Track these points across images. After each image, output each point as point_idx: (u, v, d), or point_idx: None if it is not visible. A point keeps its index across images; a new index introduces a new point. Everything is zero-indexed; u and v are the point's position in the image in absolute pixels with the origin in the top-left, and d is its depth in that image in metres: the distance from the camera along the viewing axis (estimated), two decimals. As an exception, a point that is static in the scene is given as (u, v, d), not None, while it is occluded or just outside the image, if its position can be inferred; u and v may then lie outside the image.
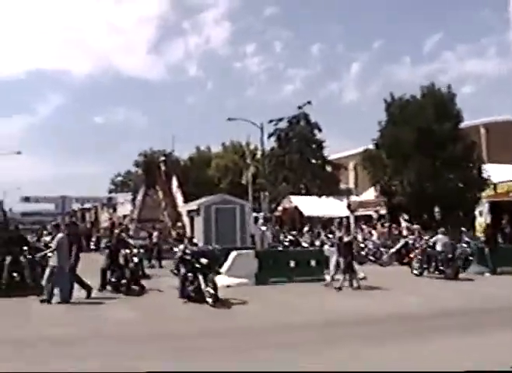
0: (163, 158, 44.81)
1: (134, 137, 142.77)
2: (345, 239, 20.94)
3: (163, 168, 43.34)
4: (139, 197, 42.83)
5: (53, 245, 17.62)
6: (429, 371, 8.89)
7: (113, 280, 19.94)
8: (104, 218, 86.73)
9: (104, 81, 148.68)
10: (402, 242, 29.96)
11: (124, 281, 19.72)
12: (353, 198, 49.47)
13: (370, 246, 31.33)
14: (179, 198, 40.29)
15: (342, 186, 62.07)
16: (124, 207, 76.24)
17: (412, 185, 33.54)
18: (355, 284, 19.98)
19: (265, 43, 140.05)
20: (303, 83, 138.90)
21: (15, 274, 19.21)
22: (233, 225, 27.72)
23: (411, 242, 29.08)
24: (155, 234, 27.81)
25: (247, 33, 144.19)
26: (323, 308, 16.10)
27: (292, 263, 22.44)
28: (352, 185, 67.97)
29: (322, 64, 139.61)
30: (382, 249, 30.58)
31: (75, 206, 59.85)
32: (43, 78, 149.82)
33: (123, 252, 20.66)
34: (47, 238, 23.55)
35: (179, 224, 34.25)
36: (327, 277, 21.89)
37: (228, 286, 20.72)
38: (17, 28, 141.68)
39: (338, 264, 20.59)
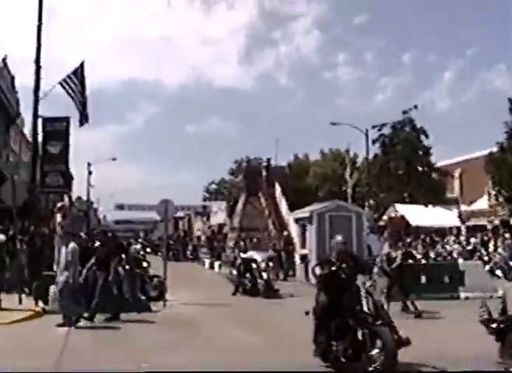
0: (265, 164, 42.59)
1: (226, 147, 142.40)
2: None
3: (264, 174, 41.35)
4: (240, 205, 40.79)
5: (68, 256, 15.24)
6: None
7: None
8: (197, 227, 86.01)
9: (196, 91, 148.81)
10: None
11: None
12: (463, 207, 46.43)
13: (497, 260, 28.30)
14: (283, 206, 38.20)
15: (448, 194, 58.88)
16: (218, 216, 74.93)
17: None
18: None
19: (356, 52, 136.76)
20: (395, 92, 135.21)
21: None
22: (348, 235, 25.14)
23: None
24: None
25: (338, 42, 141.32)
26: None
27: (423, 279, 20.01)
28: (457, 194, 64.76)
29: (414, 72, 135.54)
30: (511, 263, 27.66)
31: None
32: (137, 89, 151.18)
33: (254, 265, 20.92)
34: (138, 247, 21.86)
35: (285, 233, 32.15)
36: (462, 295, 19.54)
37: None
38: (111, 39, 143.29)
39: None
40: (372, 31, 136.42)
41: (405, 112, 54.67)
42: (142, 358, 10.63)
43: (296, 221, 29.05)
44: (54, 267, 17.83)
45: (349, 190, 50.35)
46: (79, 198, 75.68)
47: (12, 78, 33.50)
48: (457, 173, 65.82)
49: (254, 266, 20.95)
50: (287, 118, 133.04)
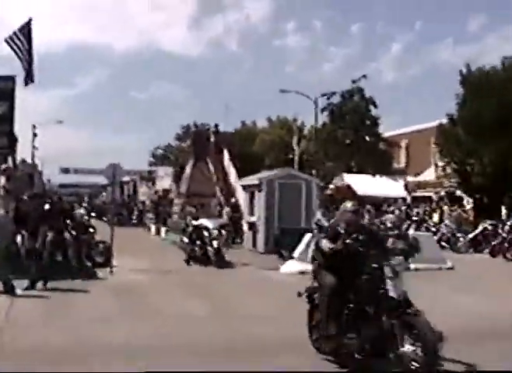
0: (213, 129, 41.99)
1: (173, 113, 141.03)
2: None
3: (212, 139, 40.78)
4: (187, 170, 40.20)
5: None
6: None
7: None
8: (142, 192, 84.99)
9: (145, 56, 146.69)
10: (481, 227, 27.36)
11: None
12: (410, 178, 46.74)
13: (444, 231, 28.41)
14: (231, 172, 37.80)
15: (395, 165, 59.19)
16: (164, 181, 74.13)
17: (493, 164, 30.52)
18: None
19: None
20: (342, 62, 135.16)
21: (57, 254, 16.65)
22: (297, 203, 24.93)
23: (490, 227, 26.83)
24: (226, 209, 25.68)
25: (287, 10, 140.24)
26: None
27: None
28: (403, 165, 65.16)
29: (362, 43, 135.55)
30: (458, 235, 27.78)
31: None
32: (84, 52, 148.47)
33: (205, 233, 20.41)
34: (81, 211, 21.20)
35: (233, 199, 31.81)
36: (412, 266, 19.45)
37: (302, 272, 18.19)
38: (57, 3, 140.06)
39: None
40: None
41: (354, 81, 54.66)
42: (85, 331, 10.23)
43: (245, 188, 28.71)
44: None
45: (296, 158, 50.13)
46: (24, 161, 73.69)
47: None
48: (403, 144, 66.20)
49: (205, 234, 20.37)
50: (235, 85, 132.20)
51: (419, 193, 42.63)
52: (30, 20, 20.49)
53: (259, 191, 25.20)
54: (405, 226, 30.13)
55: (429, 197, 41.00)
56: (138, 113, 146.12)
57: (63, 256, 16.85)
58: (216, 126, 42.24)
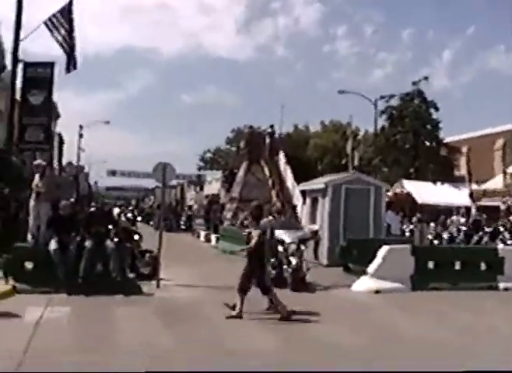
0: (269, 130, 39.52)
1: (222, 117, 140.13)
2: None
3: (268, 141, 38.36)
4: (241, 173, 37.81)
5: None
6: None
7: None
8: (190, 197, 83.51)
9: (193, 60, 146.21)
10: None
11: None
12: (475, 186, 43.90)
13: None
14: (288, 176, 35.38)
15: (455, 172, 56.32)
16: (211, 186, 72.34)
17: None
18: None
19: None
20: (394, 68, 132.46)
21: (97, 265, 14.80)
22: (365, 211, 22.41)
23: None
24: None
25: (337, 15, 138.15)
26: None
27: (457, 265, 17.30)
28: (464, 172, 62.26)
29: (413, 49, 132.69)
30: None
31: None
32: (133, 56, 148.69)
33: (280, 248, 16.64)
34: (129, 215, 19.06)
35: (293, 204, 29.54)
36: (501, 285, 16.84)
37: (377, 291, 15.78)
38: (107, 5, 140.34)
39: None
40: (372, 4, 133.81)
41: (414, 83, 52.09)
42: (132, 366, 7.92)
43: (306, 193, 26.28)
44: (28, 237, 15.17)
45: (356, 162, 47.57)
46: (70, 163, 73.45)
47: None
48: (464, 150, 63.38)
49: (280, 249, 16.72)
50: (284, 90, 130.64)
51: (484, 202, 39.67)
52: (71, 0, 18.26)
53: (323, 197, 22.72)
54: (475, 238, 27.60)
55: (497, 207, 38.21)
56: (186, 118, 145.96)
57: (104, 267, 14.67)
58: (272, 127, 39.75)
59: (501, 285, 16.96)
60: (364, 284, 16.27)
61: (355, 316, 12.61)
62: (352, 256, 19.97)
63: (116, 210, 34.51)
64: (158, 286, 15.54)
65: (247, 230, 13.03)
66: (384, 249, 16.55)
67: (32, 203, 15.24)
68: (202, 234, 36.70)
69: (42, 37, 18.77)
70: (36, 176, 15.73)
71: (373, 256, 16.98)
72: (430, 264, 17.03)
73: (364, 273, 16.78)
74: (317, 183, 24.03)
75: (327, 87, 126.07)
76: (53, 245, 14.34)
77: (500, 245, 21.64)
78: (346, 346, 9.75)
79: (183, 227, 45.39)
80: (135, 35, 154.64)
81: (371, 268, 16.43)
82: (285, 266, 16.45)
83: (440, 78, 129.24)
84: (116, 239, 15.58)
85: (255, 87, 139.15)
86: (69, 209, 15.34)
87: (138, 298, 13.79)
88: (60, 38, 17.77)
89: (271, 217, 19.22)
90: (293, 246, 16.74)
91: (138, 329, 10.84)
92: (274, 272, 16.50)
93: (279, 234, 17.00)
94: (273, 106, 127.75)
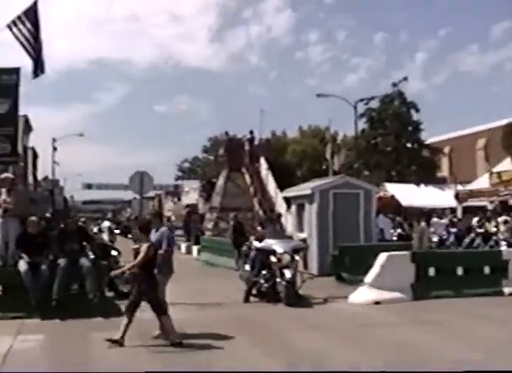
0: (248, 136, 38.37)
1: (197, 126, 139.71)
2: None
3: (247, 147, 37.26)
4: (220, 182, 36.68)
5: None
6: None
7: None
8: (168, 207, 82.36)
9: (165, 71, 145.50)
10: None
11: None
12: (459, 187, 43.14)
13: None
14: (270, 183, 34.22)
15: (437, 173, 55.64)
16: (189, 196, 71.27)
17: None
18: None
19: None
20: (367, 73, 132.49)
21: (73, 284, 13.55)
22: (355, 216, 21.24)
23: None
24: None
25: (309, 21, 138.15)
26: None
27: (459, 271, 16.16)
28: (446, 172, 61.61)
29: (386, 53, 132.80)
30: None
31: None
32: (105, 68, 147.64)
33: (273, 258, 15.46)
34: (106, 224, 17.87)
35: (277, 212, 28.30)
36: (506, 290, 15.92)
37: (377, 302, 14.64)
38: (77, 17, 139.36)
39: None
40: (343, 10, 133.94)
41: (395, 84, 51.22)
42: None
43: (288, 199, 25.13)
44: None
45: (336, 167, 46.62)
46: (46, 178, 72.36)
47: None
48: (446, 151, 62.79)
49: (273, 259, 15.42)
50: (259, 98, 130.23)
51: (470, 203, 38.85)
52: (36, 1, 16.92)
53: (310, 203, 21.53)
54: (467, 240, 26.64)
55: (483, 207, 37.38)
56: (161, 127, 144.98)
57: (79, 287, 13.38)
58: (251, 132, 38.58)
59: (506, 290, 16.02)
60: (362, 294, 15.15)
61: (361, 333, 11.36)
62: (345, 264, 19.02)
63: (106, 224, 33.24)
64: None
65: (135, 246, 11.37)
66: (383, 256, 15.43)
67: (-2, 221, 13.90)
68: (183, 246, 35.48)
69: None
70: (3, 191, 14.38)
71: (367, 264, 16.01)
72: (431, 271, 15.88)
73: (359, 282, 15.77)
74: (303, 189, 22.85)
75: (299, 94, 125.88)
76: (23, 265, 13.05)
77: (503, 247, 20.63)
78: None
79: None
80: (107, 46, 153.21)
81: (369, 277, 15.32)
82: (278, 279, 15.18)
83: (414, 80, 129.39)
84: (92, 256, 14.29)
85: (229, 96, 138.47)
86: (37, 225, 14.01)
87: (118, 319, 12.36)
88: (24, 40, 16.46)
89: (259, 228, 18.12)
90: (287, 257, 15.44)
91: (118, 355, 9.59)
92: (266, 285, 15.48)
93: (270, 244, 15.83)
94: (248, 115, 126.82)
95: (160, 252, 11.26)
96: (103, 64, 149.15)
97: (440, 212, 38.71)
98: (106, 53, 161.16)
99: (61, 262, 13.17)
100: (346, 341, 10.71)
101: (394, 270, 15.23)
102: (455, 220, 32.91)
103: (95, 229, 32.12)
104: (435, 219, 32.87)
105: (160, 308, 10.66)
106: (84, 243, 14.26)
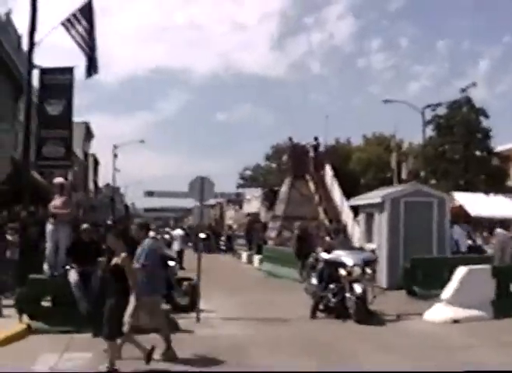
0: (313, 143, 37.28)
1: (259, 134, 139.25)
2: None
3: (311, 154, 36.20)
4: (284, 189, 35.68)
5: None
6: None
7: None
8: (229, 215, 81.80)
9: (226, 79, 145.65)
10: None
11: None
12: (533, 196, 41.47)
13: None
14: (336, 191, 33.04)
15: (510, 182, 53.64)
16: (251, 205, 70.47)
17: None
18: None
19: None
20: (430, 80, 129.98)
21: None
22: (428, 226, 19.97)
23: None
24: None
25: (371, 29, 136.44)
26: None
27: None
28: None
29: (448, 60, 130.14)
30: None
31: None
32: (166, 76, 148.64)
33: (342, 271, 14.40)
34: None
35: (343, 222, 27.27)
36: None
37: (456, 321, 13.40)
38: (139, 27, 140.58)
39: None
40: (406, 17, 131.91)
41: (463, 90, 49.17)
42: None
43: (356, 208, 23.98)
44: (45, 267, 13.06)
45: (404, 176, 45.20)
46: (108, 184, 72.74)
47: (19, 37, 28.16)
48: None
49: (342, 272, 14.38)
50: (321, 106, 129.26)
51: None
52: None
53: (380, 212, 20.33)
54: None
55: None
56: (222, 135, 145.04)
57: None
58: (316, 139, 37.45)
59: None
60: (439, 312, 13.96)
61: (443, 357, 10.18)
62: (417, 278, 17.80)
63: (178, 232, 32.45)
64: (198, 319, 13.39)
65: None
66: (462, 270, 14.21)
67: (49, 227, 13.10)
68: (244, 255, 34.69)
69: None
70: (56, 197, 13.62)
71: (441, 278, 15.26)
72: (514, 285, 14.66)
73: (432, 297, 14.78)
74: (373, 197, 21.64)
75: (361, 102, 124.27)
76: (73, 275, 12.24)
77: None
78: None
79: (222, 247, 43.75)
80: (168, 54, 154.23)
81: (446, 293, 14.12)
82: (347, 294, 14.06)
83: (478, 88, 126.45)
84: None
85: (290, 104, 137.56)
86: (90, 233, 13.21)
87: (174, 336, 11.43)
88: (79, 39, 15.76)
89: (327, 238, 17.06)
90: (358, 270, 14.31)
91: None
92: (334, 300, 14.34)
93: (339, 255, 14.71)
94: (310, 122, 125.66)
95: (136, 266, 10.07)
96: (164, 72, 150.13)
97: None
98: (168, 61, 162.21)
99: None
100: (423, 366, 9.55)
101: (474, 285, 14.06)
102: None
103: (166, 236, 31.67)
104: (498, 230, 31.40)
105: (112, 331, 9.45)
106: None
